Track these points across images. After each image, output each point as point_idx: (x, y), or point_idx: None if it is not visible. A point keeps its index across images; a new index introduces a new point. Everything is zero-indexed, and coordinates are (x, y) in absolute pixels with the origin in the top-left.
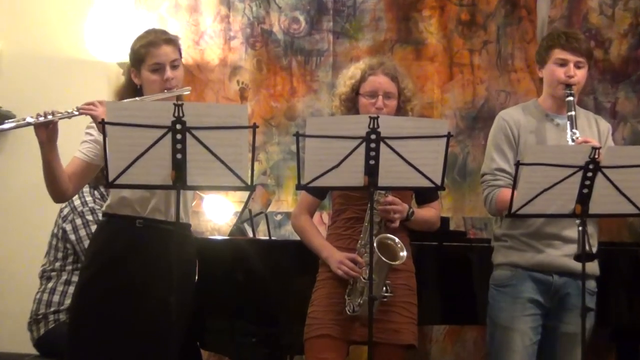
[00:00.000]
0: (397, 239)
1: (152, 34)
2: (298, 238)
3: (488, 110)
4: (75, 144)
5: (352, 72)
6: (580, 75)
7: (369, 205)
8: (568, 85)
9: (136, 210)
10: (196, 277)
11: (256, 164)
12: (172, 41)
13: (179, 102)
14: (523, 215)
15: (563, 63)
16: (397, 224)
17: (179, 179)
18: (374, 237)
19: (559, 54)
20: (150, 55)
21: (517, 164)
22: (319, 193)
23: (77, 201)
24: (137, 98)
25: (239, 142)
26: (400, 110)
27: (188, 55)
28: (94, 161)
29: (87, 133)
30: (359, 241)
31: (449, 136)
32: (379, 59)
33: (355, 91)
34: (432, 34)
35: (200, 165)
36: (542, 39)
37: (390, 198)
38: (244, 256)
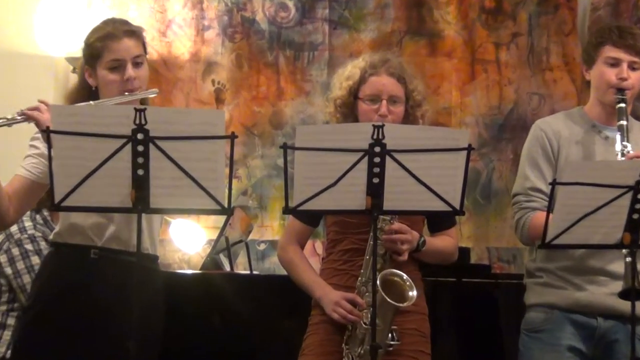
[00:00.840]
0: (405, 275)
1: (110, 24)
2: (285, 273)
3: (517, 117)
4: (19, 158)
5: (349, 71)
6: (635, 78)
7: (371, 233)
8: (620, 90)
9: (90, 239)
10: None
11: (235, 181)
12: (134, 33)
13: (141, 107)
14: (560, 245)
15: (615, 63)
16: (405, 256)
17: (141, 201)
18: (377, 273)
19: (610, 52)
20: (107, 50)
21: (554, 183)
22: (311, 219)
23: (13, 227)
24: (91, 102)
25: (214, 155)
26: (409, 118)
27: (152, 49)
28: (40, 179)
29: (31, 145)
30: (359, 278)
31: (469, 149)
32: (383, 55)
33: (354, 95)
34: (449, 24)
35: (167, 184)
36: (590, 35)
37: (397, 225)
38: (219, 294)
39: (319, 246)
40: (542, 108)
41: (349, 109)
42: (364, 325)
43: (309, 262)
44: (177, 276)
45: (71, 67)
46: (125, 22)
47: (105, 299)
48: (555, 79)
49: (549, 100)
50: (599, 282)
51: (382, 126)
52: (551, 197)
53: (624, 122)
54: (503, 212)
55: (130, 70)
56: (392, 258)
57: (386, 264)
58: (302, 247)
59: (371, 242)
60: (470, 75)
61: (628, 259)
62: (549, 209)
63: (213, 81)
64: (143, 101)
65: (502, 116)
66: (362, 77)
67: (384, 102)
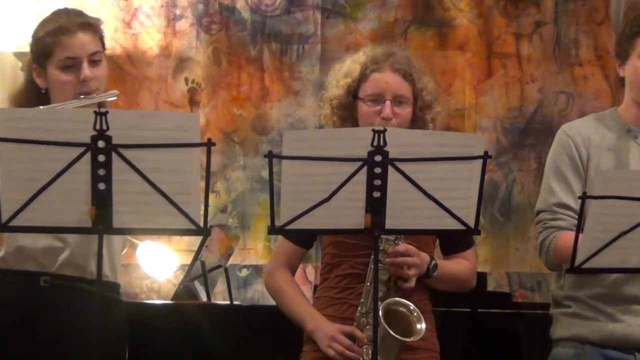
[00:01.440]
0: (412, 305)
1: (62, 16)
2: (272, 302)
3: (542, 120)
4: None
5: (347, 67)
6: None
7: (372, 256)
8: None
9: (41, 265)
10: (126, 357)
11: (212, 196)
12: (90, 26)
13: (103, 110)
14: (592, 270)
15: None
16: (412, 283)
17: (102, 219)
18: (379, 303)
19: None
20: (60, 46)
21: (583, 197)
22: (303, 239)
23: None
24: (41, 107)
25: (188, 166)
26: (417, 121)
27: (115, 42)
28: None
29: None
30: (359, 308)
31: (486, 157)
32: (387, 49)
33: (353, 94)
34: (462, 11)
35: (132, 200)
36: (624, 24)
37: (402, 247)
38: (194, 328)
39: (311, 272)
40: (571, 109)
41: (347, 111)
42: None
43: (301, 290)
44: (145, 307)
45: (20, 64)
46: (80, 14)
47: (57, 333)
48: (585, 75)
49: (578, 100)
50: (636, 312)
51: (384, 131)
52: (581, 214)
53: None
54: (525, 230)
55: (86, 70)
56: (397, 285)
57: (390, 292)
58: (293, 272)
59: (373, 267)
60: (487, 72)
61: None
62: (579, 228)
63: (186, 80)
64: (102, 105)
65: (523, 119)
66: (362, 73)
67: (388, 102)
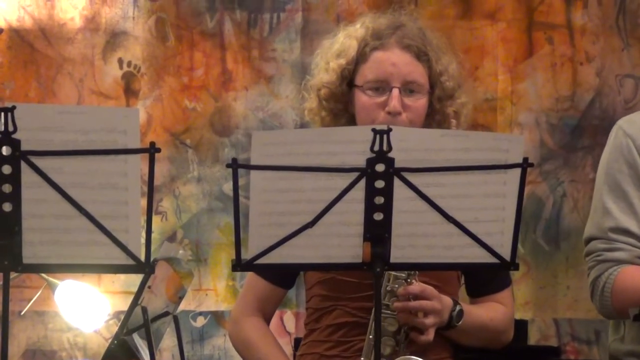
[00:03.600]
0: None
1: None
2: None
3: (602, 113)
4: None
5: (341, 43)
6: None
7: (374, 299)
8: None
9: None
10: None
11: (156, 219)
12: None
13: (9, 106)
14: None
15: None
16: (431, 335)
17: (8, 252)
18: None
19: None
20: None
21: None
22: (281, 277)
23: None
24: None
25: (123, 179)
26: (435, 117)
27: (24, 11)
28: None
29: None
30: None
31: (526, 165)
32: (393, 19)
33: (348, 81)
34: None
35: (48, 225)
36: None
37: (417, 287)
38: None
39: (290, 319)
40: None
41: (340, 103)
42: None
43: (279, 344)
44: None
45: None
46: None
47: None
48: None
49: None
50: None
51: (388, 131)
52: None
53: None
54: (579, 263)
55: None
56: (410, 338)
57: (401, 348)
58: (268, 319)
59: (375, 314)
60: (527, 49)
61: None
62: None
63: (121, 62)
64: None
65: (577, 112)
66: (360, 52)
67: (396, 91)
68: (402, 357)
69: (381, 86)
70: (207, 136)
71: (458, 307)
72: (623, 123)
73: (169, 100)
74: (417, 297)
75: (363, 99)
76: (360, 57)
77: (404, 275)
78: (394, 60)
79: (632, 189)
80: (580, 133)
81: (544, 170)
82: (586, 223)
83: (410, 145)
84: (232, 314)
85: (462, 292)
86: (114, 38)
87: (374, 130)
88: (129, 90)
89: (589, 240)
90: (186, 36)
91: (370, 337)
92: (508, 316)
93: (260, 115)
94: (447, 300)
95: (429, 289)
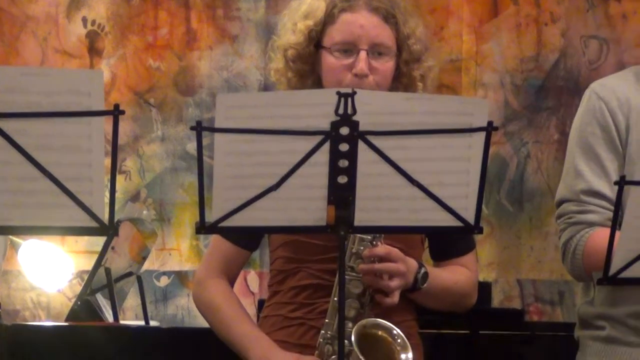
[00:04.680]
0: (395, 329)
1: None
2: (203, 322)
3: (566, 74)
4: None
5: (309, 5)
6: None
7: (338, 262)
8: None
9: None
10: None
11: (120, 179)
12: None
13: None
14: (632, 280)
15: None
16: (396, 297)
17: None
18: (350, 324)
19: None
20: None
21: (621, 182)
22: (246, 239)
23: None
24: None
25: (87, 141)
26: (402, 79)
27: None
28: None
29: None
30: (322, 331)
31: (490, 129)
32: None
33: (315, 42)
34: None
35: (12, 187)
36: None
37: (382, 249)
38: (96, 358)
39: (254, 280)
40: (605, 60)
41: (307, 64)
42: None
43: (242, 306)
44: (28, 330)
45: None
46: None
47: None
48: (624, 13)
49: (615, 48)
50: None
51: (353, 94)
52: (618, 205)
53: None
54: (543, 224)
55: None
56: (374, 300)
57: (365, 310)
58: (232, 281)
59: (339, 276)
60: (492, 9)
61: None
62: (615, 224)
63: (84, 20)
64: None
65: (541, 73)
66: (328, 14)
67: (363, 53)
68: (367, 319)
69: (348, 48)
70: (171, 95)
71: (423, 270)
72: (596, 86)
73: (133, 59)
74: (382, 259)
75: (330, 61)
76: (328, 19)
77: (369, 237)
78: (362, 22)
79: (605, 152)
80: (544, 94)
81: (508, 131)
82: (550, 184)
83: (375, 108)
84: (196, 276)
85: (426, 255)
86: None
87: (338, 93)
88: (93, 49)
89: (561, 202)
90: None
91: (335, 299)
92: (472, 280)
93: (224, 75)
94: (412, 263)
95: (394, 251)
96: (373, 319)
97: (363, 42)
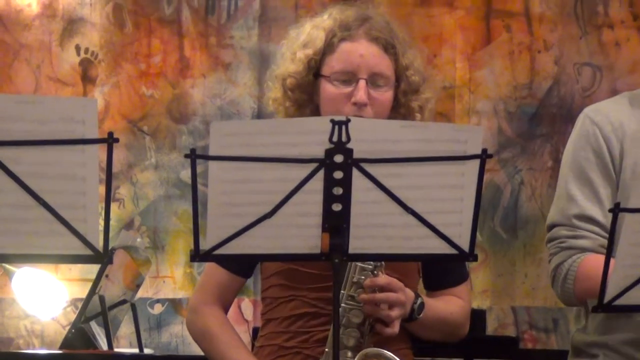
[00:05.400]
0: (397, 359)
1: None
2: (197, 350)
3: (560, 101)
4: None
5: (308, 34)
6: None
7: (333, 290)
8: None
9: None
10: None
11: (114, 207)
12: None
13: None
14: (626, 307)
15: None
16: (396, 327)
17: None
18: (348, 353)
19: None
20: None
21: (616, 210)
22: (240, 266)
23: None
24: None
25: (81, 169)
26: (399, 110)
27: None
28: None
29: None
30: None
31: (485, 156)
32: (360, 11)
33: (315, 71)
34: None
35: (5, 215)
36: None
37: (383, 279)
38: None
39: (248, 307)
40: (599, 87)
41: (305, 94)
42: None
43: (237, 334)
44: (22, 358)
45: None
46: None
47: None
48: (618, 41)
49: (608, 75)
50: None
51: (347, 122)
52: (613, 232)
53: None
54: (537, 250)
55: None
56: (374, 330)
57: (365, 340)
58: (226, 308)
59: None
60: (485, 37)
61: None
62: (610, 250)
63: (78, 48)
64: None
65: (535, 100)
66: (328, 43)
67: (362, 82)
68: (369, 348)
69: (348, 77)
70: (165, 123)
71: (419, 300)
72: (590, 111)
73: (126, 87)
74: (382, 289)
75: (329, 90)
76: (328, 48)
77: (370, 267)
78: (362, 52)
79: (598, 177)
80: (538, 121)
81: (502, 159)
82: (545, 212)
83: (369, 136)
84: (190, 303)
85: (420, 286)
86: (71, 24)
87: (332, 121)
88: (86, 77)
89: (552, 226)
90: (143, 23)
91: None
92: (465, 310)
93: (217, 103)
94: (410, 293)
95: (395, 281)
96: (375, 348)
97: (362, 72)
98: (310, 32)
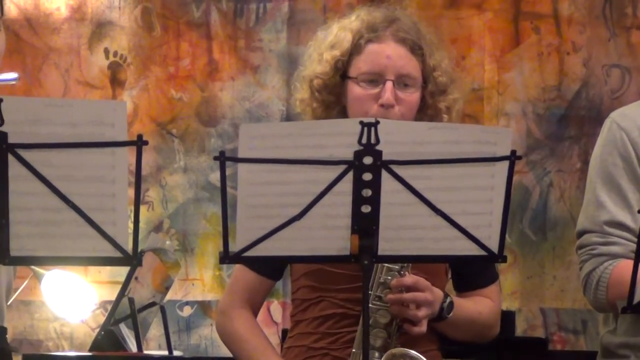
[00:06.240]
0: (424, 359)
1: None
2: (226, 352)
3: (588, 103)
4: None
5: (335, 35)
6: None
7: (363, 292)
8: None
9: None
10: None
11: (143, 209)
12: None
13: None
14: None
15: None
16: (424, 327)
17: None
18: (376, 354)
19: None
20: None
21: None
22: (270, 267)
23: None
24: None
25: (110, 172)
26: (427, 111)
27: (10, 1)
28: None
29: None
30: None
31: (514, 158)
32: (388, 12)
33: (342, 72)
34: None
35: (35, 218)
36: None
37: (410, 279)
38: None
39: (277, 310)
40: (627, 89)
41: (333, 95)
42: None
43: (266, 337)
44: None
45: None
46: None
47: None
48: None
49: (637, 77)
50: None
51: (376, 124)
52: None
53: None
54: (566, 253)
55: None
56: (401, 329)
57: (392, 340)
58: (256, 311)
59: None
60: (513, 38)
61: None
62: (639, 252)
63: (107, 51)
64: None
65: (563, 102)
66: (355, 44)
67: (389, 84)
68: (396, 348)
69: (375, 78)
70: (194, 126)
71: (449, 299)
72: (616, 116)
73: (155, 90)
74: (409, 288)
75: (356, 91)
76: (355, 49)
77: (396, 267)
78: (389, 53)
79: (626, 183)
80: (566, 123)
81: (530, 160)
82: (574, 214)
83: (398, 138)
84: (220, 306)
85: (449, 286)
86: (100, 28)
87: (361, 122)
88: (115, 80)
89: (583, 233)
90: (172, 26)
91: (361, 329)
92: (495, 311)
93: (246, 106)
94: (438, 292)
95: (422, 280)
96: (402, 348)
97: (389, 73)
98: (338, 33)
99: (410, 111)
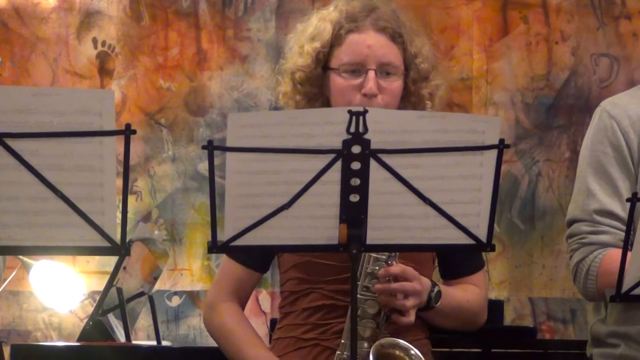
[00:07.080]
0: (413, 349)
1: None
2: (214, 343)
3: (577, 92)
4: None
5: (315, 27)
6: None
7: (351, 281)
8: None
9: None
10: None
11: (132, 200)
12: None
13: None
14: None
15: None
16: (412, 316)
17: None
18: (365, 344)
19: None
20: None
21: (633, 199)
22: (256, 260)
23: None
24: None
25: (98, 161)
26: (410, 98)
27: None
28: None
29: None
30: (338, 352)
31: (502, 146)
32: (366, 1)
33: (323, 64)
34: None
35: (23, 207)
36: None
37: (398, 268)
38: None
39: (265, 299)
40: (616, 78)
41: (315, 87)
42: None
43: (254, 329)
44: (41, 350)
45: None
46: None
47: None
48: (635, 31)
49: (625, 66)
50: None
51: (364, 113)
52: (630, 223)
53: None
54: (555, 242)
55: None
56: (390, 320)
57: (381, 330)
58: (243, 303)
59: (353, 296)
60: (502, 28)
61: None
62: (627, 242)
63: (95, 41)
64: None
65: (552, 92)
66: (335, 35)
67: (372, 73)
68: (385, 338)
69: (357, 68)
70: (182, 116)
71: (436, 288)
72: (607, 105)
73: (143, 79)
74: (397, 278)
75: (338, 82)
76: (335, 40)
77: (384, 257)
78: (370, 42)
79: (617, 172)
80: (555, 112)
81: (519, 150)
82: (563, 203)
83: (387, 126)
84: (207, 299)
85: (435, 274)
86: (88, 17)
87: (350, 111)
88: (104, 69)
89: (573, 222)
90: (161, 16)
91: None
92: (482, 298)
93: (235, 95)
94: (426, 281)
95: (410, 270)
96: (391, 338)
97: (371, 62)
98: (317, 24)
99: (394, 99)
